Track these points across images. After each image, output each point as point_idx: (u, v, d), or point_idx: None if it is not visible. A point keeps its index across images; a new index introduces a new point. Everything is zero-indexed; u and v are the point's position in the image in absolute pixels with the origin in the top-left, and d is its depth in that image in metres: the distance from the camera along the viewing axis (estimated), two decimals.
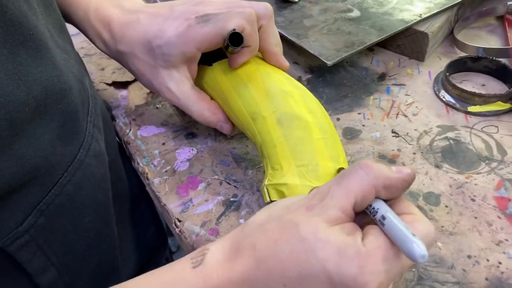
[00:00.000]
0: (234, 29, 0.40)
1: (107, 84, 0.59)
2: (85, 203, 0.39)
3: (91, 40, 0.49)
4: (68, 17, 0.49)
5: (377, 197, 0.28)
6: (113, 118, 0.54)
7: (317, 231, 0.26)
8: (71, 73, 0.37)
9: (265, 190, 0.38)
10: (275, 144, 0.39)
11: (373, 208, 0.28)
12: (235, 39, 0.40)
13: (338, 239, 0.26)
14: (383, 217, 0.27)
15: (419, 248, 0.24)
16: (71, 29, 0.70)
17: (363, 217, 0.29)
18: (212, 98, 0.46)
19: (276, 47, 0.44)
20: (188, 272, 0.28)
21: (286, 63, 0.45)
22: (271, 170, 0.39)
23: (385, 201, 0.29)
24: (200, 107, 0.44)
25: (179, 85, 0.44)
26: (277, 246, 0.26)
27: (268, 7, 0.42)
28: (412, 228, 0.26)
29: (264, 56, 0.45)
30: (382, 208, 0.27)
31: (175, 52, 0.42)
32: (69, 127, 0.36)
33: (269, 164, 0.39)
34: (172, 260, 0.37)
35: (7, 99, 0.29)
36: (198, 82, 0.47)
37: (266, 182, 0.38)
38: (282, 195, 0.37)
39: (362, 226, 0.28)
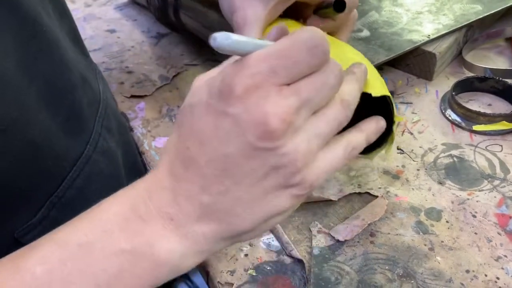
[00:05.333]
0: None
1: (126, 97, 0.62)
2: (95, 198, 0.41)
3: None
4: None
5: None
6: (131, 129, 0.57)
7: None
8: (78, 73, 0.40)
9: None
10: None
11: None
12: (339, 5, 0.38)
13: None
14: None
15: (218, 34, 0.23)
16: (93, 45, 0.73)
17: None
18: None
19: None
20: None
21: None
22: None
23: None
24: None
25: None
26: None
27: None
28: (290, 36, 0.26)
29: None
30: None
31: None
32: (73, 123, 0.39)
33: None
34: None
35: (15, 84, 0.32)
36: None
37: None
38: None
39: None
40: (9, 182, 0.33)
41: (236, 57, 0.26)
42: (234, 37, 0.23)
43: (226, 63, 0.28)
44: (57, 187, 0.38)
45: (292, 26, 0.46)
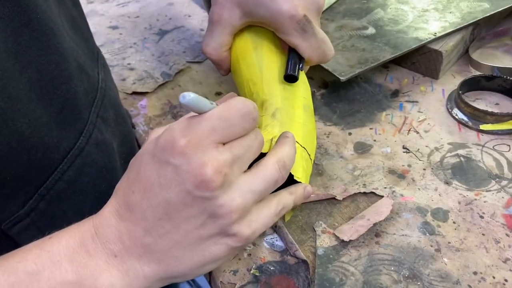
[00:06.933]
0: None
1: (127, 93, 0.61)
2: (87, 190, 0.41)
3: None
4: None
5: None
6: (133, 126, 0.56)
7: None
8: (75, 62, 0.39)
9: None
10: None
11: None
12: (290, 79, 0.46)
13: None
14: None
15: (186, 93, 0.27)
16: (95, 41, 0.73)
17: None
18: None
19: None
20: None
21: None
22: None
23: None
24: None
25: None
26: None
27: None
28: (228, 103, 0.30)
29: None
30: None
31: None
32: (67, 114, 0.38)
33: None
34: None
35: (4, 74, 0.31)
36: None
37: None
38: None
39: None
40: None
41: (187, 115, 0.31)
42: (192, 95, 0.27)
43: (173, 123, 0.32)
44: (46, 179, 0.37)
45: (264, 34, 0.47)
